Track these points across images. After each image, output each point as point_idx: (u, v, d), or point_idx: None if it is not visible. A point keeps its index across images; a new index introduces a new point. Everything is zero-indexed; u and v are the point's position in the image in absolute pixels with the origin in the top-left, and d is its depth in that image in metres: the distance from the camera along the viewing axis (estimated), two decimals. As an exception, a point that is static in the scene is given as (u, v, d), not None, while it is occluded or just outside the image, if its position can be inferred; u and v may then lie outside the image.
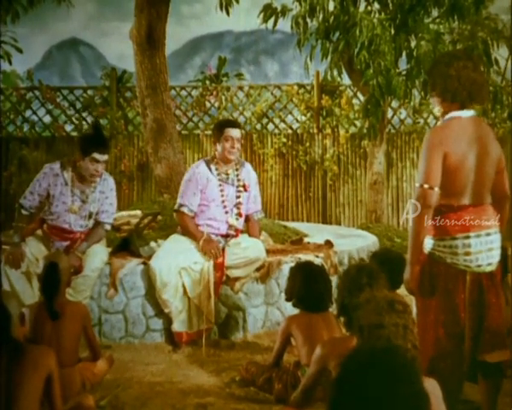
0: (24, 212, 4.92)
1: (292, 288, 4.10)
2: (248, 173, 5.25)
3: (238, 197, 5.13)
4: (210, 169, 5.09)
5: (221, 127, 5.11)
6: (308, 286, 4.00)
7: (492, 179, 3.25)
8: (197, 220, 5.07)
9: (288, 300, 4.16)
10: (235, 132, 5.03)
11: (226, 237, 5.11)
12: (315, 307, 3.98)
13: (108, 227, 5.07)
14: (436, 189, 3.11)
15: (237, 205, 5.12)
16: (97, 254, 4.87)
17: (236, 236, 5.13)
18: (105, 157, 4.85)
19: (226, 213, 5.08)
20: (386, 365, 1.67)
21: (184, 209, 5.04)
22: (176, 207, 5.12)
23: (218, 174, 5.09)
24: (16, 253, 4.73)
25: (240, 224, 5.18)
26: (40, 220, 5.02)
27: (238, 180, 5.14)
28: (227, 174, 5.11)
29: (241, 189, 5.14)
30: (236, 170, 5.16)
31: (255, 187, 5.32)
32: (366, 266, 3.54)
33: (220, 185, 5.07)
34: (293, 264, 4.59)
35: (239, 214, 5.13)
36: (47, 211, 4.92)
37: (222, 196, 5.06)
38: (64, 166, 4.93)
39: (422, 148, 3.21)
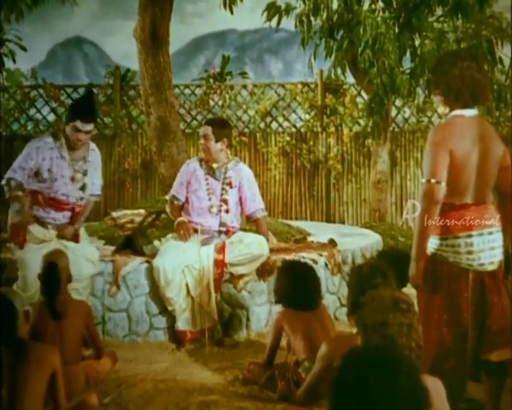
0: (14, 185, 4.66)
1: (280, 290, 4.07)
2: (240, 172, 5.29)
3: (223, 193, 5.19)
4: (200, 164, 5.28)
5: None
6: (296, 287, 3.97)
7: (495, 178, 3.25)
8: (190, 217, 5.14)
9: (277, 302, 4.13)
10: (202, 130, 5.31)
11: (219, 233, 5.13)
12: (305, 306, 3.96)
13: (98, 199, 5.17)
14: (443, 183, 3.10)
15: (223, 200, 5.17)
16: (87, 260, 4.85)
17: (228, 233, 5.14)
18: (89, 127, 4.74)
19: (210, 200, 5.14)
20: (381, 362, 1.68)
21: (171, 199, 5.29)
22: (167, 197, 5.45)
23: (206, 168, 5.24)
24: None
25: (230, 220, 5.19)
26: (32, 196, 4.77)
27: (225, 178, 5.21)
28: (213, 169, 5.23)
29: (227, 186, 5.20)
30: (225, 167, 5.22)
31: (252, 185, 5.35)
32: (379, 264, 3.51)
33: (206, 179, 5.21)
34: (279, 265, 4.57)
35: (227, 211, 5.17)
36: (45, 185, 4.76)
37: (207, 184, 5.19)
38: (57, 138, 4.82)
39: (427, 145, 3.21)
